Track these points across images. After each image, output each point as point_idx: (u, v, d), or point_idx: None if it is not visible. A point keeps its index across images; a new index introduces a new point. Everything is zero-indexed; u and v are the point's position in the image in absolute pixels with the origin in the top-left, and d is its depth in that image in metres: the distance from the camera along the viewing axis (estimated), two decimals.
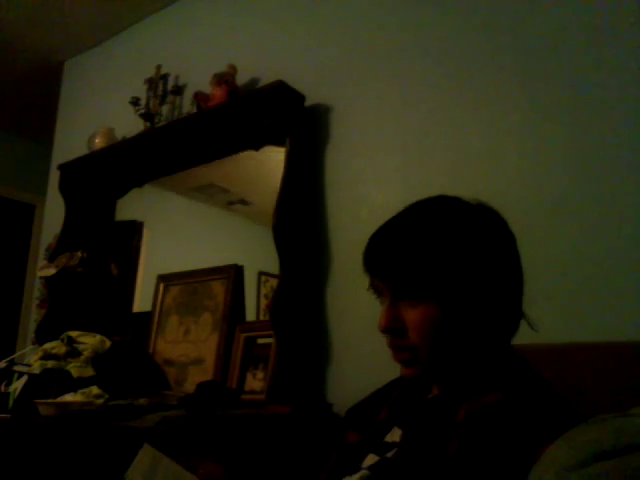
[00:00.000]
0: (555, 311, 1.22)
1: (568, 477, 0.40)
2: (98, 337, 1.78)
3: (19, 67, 2.92)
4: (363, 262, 0.69)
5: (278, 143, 1.70)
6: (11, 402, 1.52)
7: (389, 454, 0.65)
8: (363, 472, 0.65)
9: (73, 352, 1.72)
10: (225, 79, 1.83)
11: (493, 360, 0.66)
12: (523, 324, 0.71)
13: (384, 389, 0.81)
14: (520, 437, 0.55)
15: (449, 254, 0.62)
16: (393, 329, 0.64)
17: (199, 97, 1.88)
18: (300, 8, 1.94)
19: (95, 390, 1.55)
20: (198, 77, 2.07)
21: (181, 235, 2.19)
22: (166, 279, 2.00)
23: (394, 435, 0.68)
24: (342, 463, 0.72)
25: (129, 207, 2.32)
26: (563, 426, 0.53)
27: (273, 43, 1.97)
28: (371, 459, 0.67)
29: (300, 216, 1.63)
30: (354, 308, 1.55)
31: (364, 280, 1.69)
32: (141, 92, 2.19)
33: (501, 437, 0.56)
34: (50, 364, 1.66)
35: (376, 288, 0.69)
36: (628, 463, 0.39)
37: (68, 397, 1.53)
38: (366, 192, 1.62)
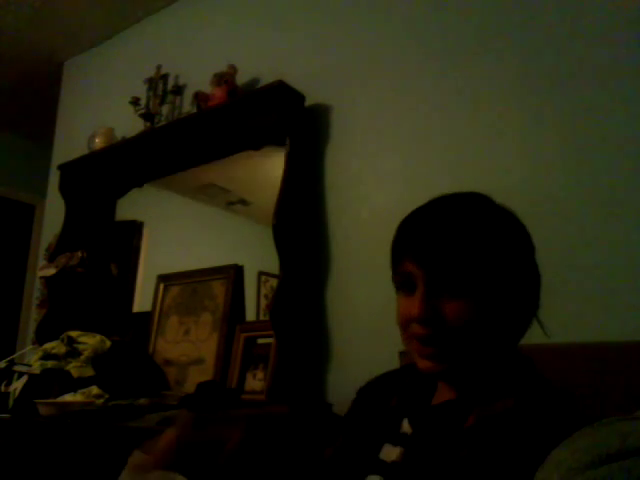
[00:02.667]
0: (555, 311, 1.22)
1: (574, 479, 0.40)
2: (98, 337, 1.78)
3: (19, 67, 2.92)
4: (401, 242, 0.67)
5: (278, 143, 1.70)
6: (11, 402, 1.52)
7: (397, 457, 0.65)
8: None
9: (73, 352, 1.72)
10: (225, 79, 1.83)
11: (504, 363, 0.67)
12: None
13: (394, 373, 0.80)
14: (531, 444, 0.55)
15: (495, 252, 0.63)
16: (428, 319, 0.62)
17: (199, 97, 1.88)
18: (300, 9, 1.94)
19: (95, 390, 1.56)
20: (198, 77, 2.07)
21: (181, 235, 2.19)
22: (166, 279, 2.00)
23: (405, 425, 0.68)
24: (354, 448, 0.71)
25: (129, 207, 2.32)
26: (574, 430, 0.53)
27: (273, 43, 1.97)
28: (387, 450, 0.66)
29: (300, 216, 1.63)
30: (354, 308, 1.55)
31: (364, 279, 1.68)
32: (141, 92, 2.19)
33: (512, 444, 0.56)
34: (50, 364, 1.66)
35: (405, 276, 0.65)
36: (634, 466, 0.38)
37: (68, 397, 1.53)
38: (366, 192, 1.62)
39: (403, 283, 0.66)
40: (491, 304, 0.63)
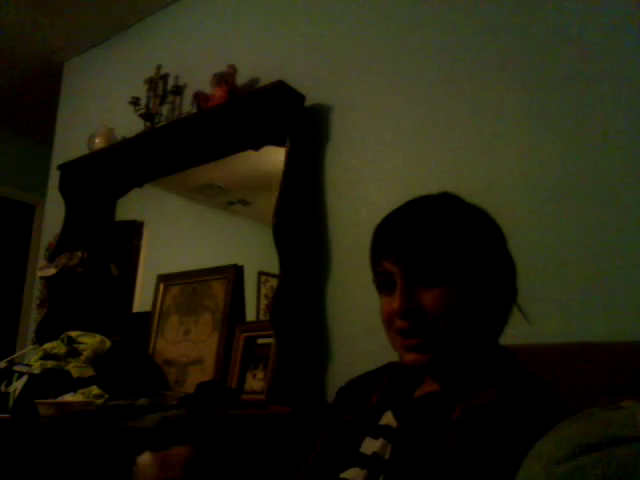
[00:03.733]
0: (555, 311, 1.22)
1: (554, 470, 0.41)
2: (98, 337, 1.78)
3: (19, 67, 2.92)
4: (377, 245, 0.71)
5: (278, 143, 1.70)
6: (11, 402, 1.53)
7: (384, 451, 0.66)
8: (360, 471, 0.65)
9: (73, 352, 1.72)
10: (225, 79, 1.83)
11: (487, 356, 0.69)
12: (516, 325, 0.72)
13: (375, 372, 0.82)
14: (517, 434, 0.57)
15: (464, 242, 0.66)
16: (409, 311, 0.65)
17: (199, 97, 1.88)
18: (300, 8, 1.94)
19: (95, 390, 1.56)
20: (198, 77, 2.07)
21: (181, 235, 2.19)
22: (166, 279, 2.00)
23: (387, 419, 0.70)
24: (336, 444, 0.73)
25: (129, 207, 2.32)
26: (558, 421, 0.55)
27: (273, 43, 1.97)
28: (369, 443, 0.68)
29: (300, 216, 1.63)
30: (354, 308, 1.55)
31: (364, 279, 1.68)
32: (141, 92, 2.19)
33: (497, 435, 0.58)
34: (50, 364, 1.66)
35: (385, 275, 0.69)
36: (613, 455, 0.39)
37: (68, 397, 1.53)
38: (366, 192, 1.62)
39: (384, 283, 0.70)
40: (466, 291, 0.65)
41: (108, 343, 1.77)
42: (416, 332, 0.65)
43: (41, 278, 2.33)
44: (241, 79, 1.90)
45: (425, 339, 0.65)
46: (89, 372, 1.66)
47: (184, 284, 1.93)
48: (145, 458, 0.65)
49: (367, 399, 0.76)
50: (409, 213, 0.70)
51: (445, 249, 0.65)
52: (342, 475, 0.67)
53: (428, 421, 0.66)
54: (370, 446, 0.68)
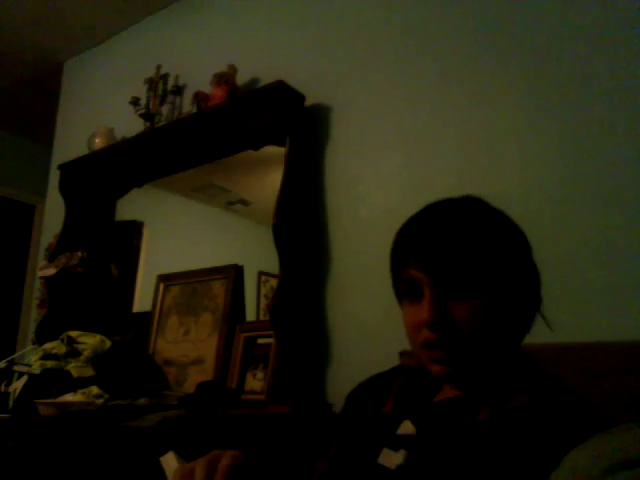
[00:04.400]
0: (555, 311, 1.22)
1: None
2: (98, 337, 1.78)
3: (19, 67, 2.92)
4: (402, 250, 0.67)
5: (278, 143, 1.70)
6: (11, 402, 1.52)
7: (402, 460, 0.63)
8: None
9: (73, 352, 1.72)
10: (225, 79, 1.83)
11: (510, 362, 0.67)
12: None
13: (385, 375, 0.80)
14: (548, 439, 0.55)
15: (496, 252, 0.64)
16: (440, 323, 0.62)
17: (199, 97, 1.88)
18: (300, 9, 1.94)
19: (95, 390, 1.55)
20: (198, 77, 2.07)
21: (181, 235, 2.19)
22: (166, 279, 2.00)
23: (405, 427, 0.67)
24: (351, 454, 0.70)
25: (129, 207, 2.32)
26: (589, 431, 0.53)
27: (273, 43, 1.97)
28: (387, 455, 0.65)
29: (300, 216, 1.63)
30: (354, 308, 1.55)
31: (364, 279, 1.67)
32: (141, 92, 2.19)
33: (529, 438, 0.56)
34: (50, 364, 1.66)
35: (410, 282, 0.65)
36: None
37: (68, 397, 1.53)
38: (366, 192, 1.62)
39: (408, 291, 0.66)
40: (496, 303, 0.63)
41: (108, 343, 1.77)
42: (443, 344, 0.62)
43: (41, 278, 2.33)
44: (241, 79, 1.90)
45: (451, 352, 0.63)
46: (89, 372, 1.66)
47: (184, 284, 1.93)
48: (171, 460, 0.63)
49: (380, 404, 0.73)
50: (438, 217, 0.67)
51: (479, 260, 0.62)
52: None
53: (450, 425, 0.63)
54: (389, 457, 0.64)
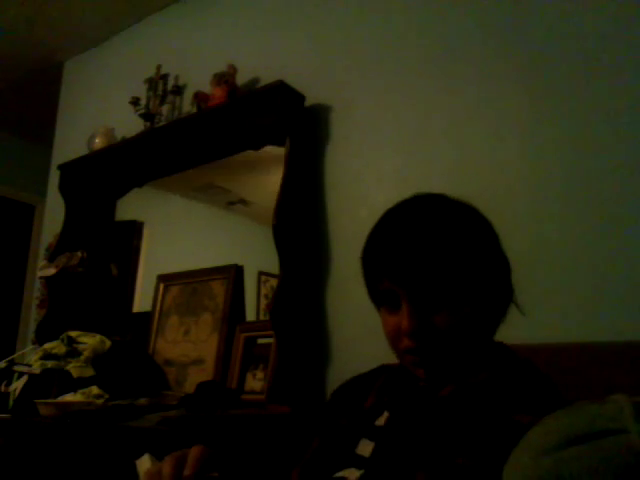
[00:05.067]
0: (555, 311, 1.22)
1: (542, 461, 0.42)
2: (98, 337, 1.78)
3: (19, 67, 2.92)
4: (375, 262, 0.68)
5: (278, 143, 1.70)
6: (11, 402, 1.53)
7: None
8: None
9: (73, 352, 1.72)
10: (225, 79, 1.83)
11: (483, 351, 0.70)
12: (517, 325, 0.72)
13: (369, 374, 0.82)
14: (498, 406, 0.59)
15: (468, 258, 0.65)
16: (419, 332, 0.64)
17: (199, 97, 1.88)
18: (300, 8, 1.94)
19: (95, 390, 1.56)
20: (198, 77, 2.07)
21: (181, 235, 2.19)
22: (166, 279, 2.00)
23: (384, 419, 0.69)
24: (331, 445, 0.72)
25: (129, 207, 2.32)
26: (545, 401, 0.59)
27: (273, 43, 1.97)
28: (364, 444, 0.67)
29: (300, 216, 1.63)
30: (354, 308, 1.55)
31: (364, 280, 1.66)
32: (141, 92, 2.19)
33: (485, 407, 0.60)
34: (50, 364, 1.66)
35: (387, 294, 0.67)
36: (600, 447, 0.40)
37: (68, 397, 1.53)
38: (366, 192, 1.62)
39: (386, 300, 0.68)
40: (472, 306, 0.65)
41: (108, 343, 1.77)
42: (423, 350, 0.65)
43: (41, 278, 2.33)
44: (241, 79, 1.90)
45: (433, 354, 0.65)
46: (89, 372, 1.66)
47: (184, 284, 1.93)
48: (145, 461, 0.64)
49: (362, 401, 0.75)
50: (407, 226, 0.67)
51: (452, 269, 0.63)
52: (337, 475, 0.66)
53: (415, 404, 0.67)
54: (367, 447, 0.67)
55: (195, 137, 1.96)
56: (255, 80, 1.95)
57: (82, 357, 1.70)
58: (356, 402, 0.76)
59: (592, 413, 0.43)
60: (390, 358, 1.18)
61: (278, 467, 0.82)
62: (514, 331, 0.75)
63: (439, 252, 0.64)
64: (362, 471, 0.64)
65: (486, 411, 0.59)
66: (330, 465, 0.69)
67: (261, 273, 1.89)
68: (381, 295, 0.69)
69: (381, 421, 0.69)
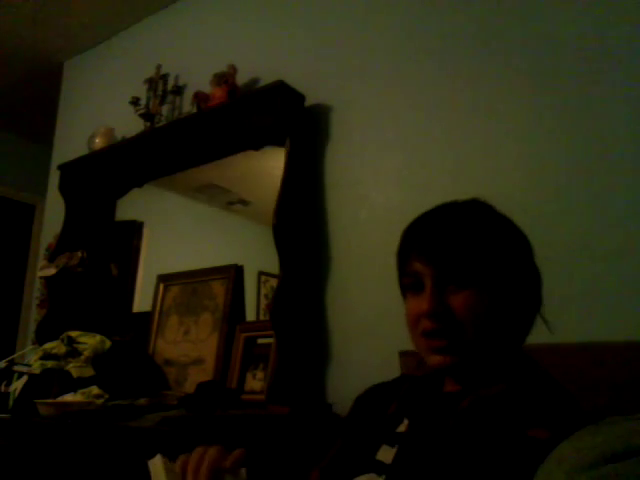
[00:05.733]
0: (555, 311, 1.22)
1: (578, 478, 0.40)
2: (98, 337, 1.78)
3: (19, 67, 2.92)
4: (406, 245, 0.71)
5: (278, 143, 1.70)
6: (11, 402, 1.53)
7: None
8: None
9: (73, 352, 1.72)
10: (225, 79, 1.83)
11: (509, 361, 0.69)
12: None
13: (392, 383, 0.82)
14: (515, 420, 0.59)
15: (495, 247, 0.67)
16: (438, 312, 0.65)
17: (199, 97, 1.88)
18: (300, 8, 1.94)
19: (95, 390, 1.56)
20: (198, 77, 2.07)
21: (181, 235, 2.19)
22: (166, 279, 2.00)
23: (404, 426, 0.70)
24: (352, 450, 0.73)
25: (129, 207, 2.32)
26: (563, 415, 0.59)
27: (273, 43, 1.97)
28: (385, 450, 0.68)
29: (300, 216, 1.63)
30: (354, 308, 1.55)
31: (364, 279, 1.67)
32: (141, 92, 2.19)
33: (503, 421, 0.60)
34: (50, 364, 1.66)
35: (413, 276, 0.68)
36: (637, 464, 0.39)
37: (68, 397, 1.53)
38: (366, 192, 1.62)
39: (411, 284, 0.69)
40: (495, 296, 0.66)
41: (108, 343, 1.77)
42: (442, 333, 0.65)
43: (41, 278, 2.33)
44: (241, 79, 1.90)
45: (451, 341, 0.65)
46: (89, 372, 1.66)
47: (184, 284, 1.93)
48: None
49: (384, 408, 0.76)
50: (440, 215, 0.71)
51: (477, 252, 0.65)
52: (357, 479, 0.67)
53: (436, 416, 0.67)
54: (387, 453, 0.68)
55: (195, 137, 1.96)
56: (255, 80, 1.95)
57: (82, 357, 1.70)
58: (378, 409, 0.77)
59: (628, 430, 0.42)
60: (392, 357, 1.18)
61: (297, 467, 0.84)
62: None
63: (468, 236, 0.66)
64: (383, 477, 0.65)
65: (503, 425, 0.59)
66: (350, 469, 0.69)
67: (261, 273, 1.89)
68: (408, 278, 0.70)
69: (402, 428, 0.70)
